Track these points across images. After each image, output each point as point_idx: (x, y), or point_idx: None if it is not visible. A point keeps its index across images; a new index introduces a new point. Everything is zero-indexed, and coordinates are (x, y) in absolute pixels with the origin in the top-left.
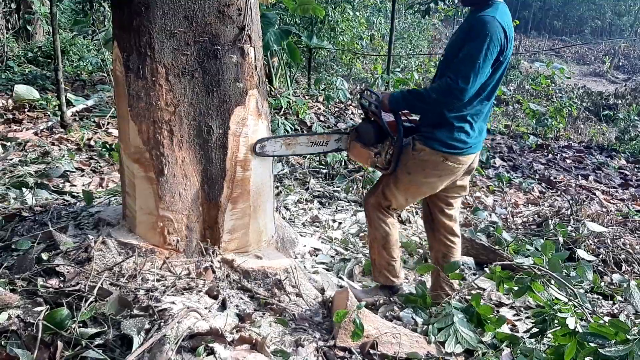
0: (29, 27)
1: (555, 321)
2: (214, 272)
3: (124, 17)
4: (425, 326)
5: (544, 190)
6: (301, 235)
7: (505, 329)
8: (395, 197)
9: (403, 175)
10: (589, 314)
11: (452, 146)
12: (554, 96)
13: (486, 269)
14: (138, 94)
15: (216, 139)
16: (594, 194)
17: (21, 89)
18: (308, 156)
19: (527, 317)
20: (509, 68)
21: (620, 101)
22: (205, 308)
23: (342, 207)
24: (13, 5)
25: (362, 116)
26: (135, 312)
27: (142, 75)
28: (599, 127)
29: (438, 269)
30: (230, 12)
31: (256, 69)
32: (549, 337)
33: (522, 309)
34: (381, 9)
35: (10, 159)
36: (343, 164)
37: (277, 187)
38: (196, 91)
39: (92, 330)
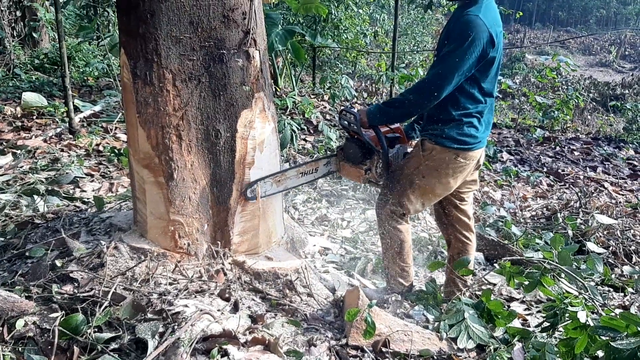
0: (34, 34)
1: (567, 315)
2: (225, 274)
3: (130, 25)
4: (437, 323)
5: (552, 183)
6: (310, 235)
7: (516, 323)
8: (412, 203)
9: (418, 179)
10: (600, 306)
11: (462, 142)
12: (560, 88)
13: (496, 264)
14: (146, 100)
15: (224, 143)
16: (603, 185)
17: (29, 97)
18: (316, 155)
19: (538, 311)
20: (514, 60)
21: (627, 91)
22: (218, 310)
23: (351, 205)
24: (18, 13)
25: (345, 136)
26: (149, 316)
27: (149, 82)
28: (606, 117)
29: (448, 266)
30: (234, 16)
31: (262, 71)
32: (561, 331)
33: (532, 303)
34: (384, 5)
35: (21, 167)
36: None
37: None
38: (203, 95)
39: (107, 335)
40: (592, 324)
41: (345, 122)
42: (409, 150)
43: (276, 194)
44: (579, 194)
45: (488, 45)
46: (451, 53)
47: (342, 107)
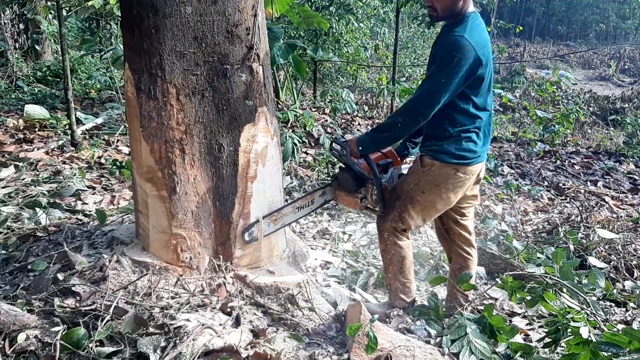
0: (37, 47)
1: (569, 330)
2: (227, 288)
3: (134, 40)
4: (439, 338)
5: (553, 197)
6: (312, 249)
7: (518, 339)
8: (413, 219)
9: (418, 195)
10: (602, 322)
11: (461, 157)
12: (560, 102)
13: (498, 279)
14: (150, 115)
15: (227, 157)
16: (604, 199)
17: (31, 109)
18: (317, 168)
19: (540, 326)
20: (514, 74)
21: (627, 105)
22: (220, 324)
23: (352, 218)
24: (21, 26)
25: (339, 165)
26: (151, 330)
27: (153, 96)
28: (606, 131)
29: (450, 280)
30: (238, 32)
31: (265, 86)
32: (563, 347)
33: (534, 318)
34: (385, 19)
35: (23, 179)
36: None
37: (286, 200)
38: (207, 110)
39: (109, 349)
40: (594, 340)
41: (337, 153)
42: (404, 170)
43: (275, 232)
44: (580, 208)
45: (475, 64)
46: (437, 73)
47: (332, 139)
